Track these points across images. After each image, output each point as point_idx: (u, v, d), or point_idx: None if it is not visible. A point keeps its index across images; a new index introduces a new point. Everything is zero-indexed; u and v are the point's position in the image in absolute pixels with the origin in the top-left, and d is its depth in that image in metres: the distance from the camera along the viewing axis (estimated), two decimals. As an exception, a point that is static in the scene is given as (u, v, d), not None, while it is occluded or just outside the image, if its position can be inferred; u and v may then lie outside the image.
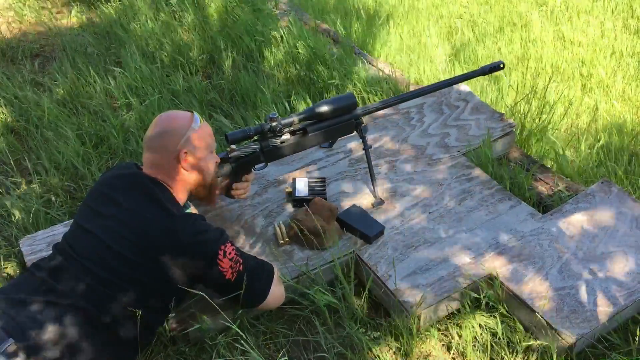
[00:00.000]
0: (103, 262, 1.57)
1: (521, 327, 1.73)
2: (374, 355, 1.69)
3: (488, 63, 2.25)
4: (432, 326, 1.76)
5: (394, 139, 2.42)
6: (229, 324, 1.64)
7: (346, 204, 2.11)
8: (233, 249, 1.64)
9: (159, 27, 3.65)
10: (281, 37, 3.36)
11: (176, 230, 1.57)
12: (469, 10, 4.21)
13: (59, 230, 2.08)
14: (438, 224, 2.02)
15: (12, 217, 2.30)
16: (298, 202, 2.10)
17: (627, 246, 1.89)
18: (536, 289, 1.76)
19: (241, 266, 1.65)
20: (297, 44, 3.25)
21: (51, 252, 1.70)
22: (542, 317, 1.67)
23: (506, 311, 1.79)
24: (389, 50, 3.57)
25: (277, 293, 1.74)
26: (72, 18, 4.07)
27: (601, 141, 2.60)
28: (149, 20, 3.71)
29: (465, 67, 3.40)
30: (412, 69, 3.32)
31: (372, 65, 3.18)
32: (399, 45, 3.66)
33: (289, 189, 2.15)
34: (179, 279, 1.63)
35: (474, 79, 2.84)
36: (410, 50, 3.59)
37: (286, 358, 1.66)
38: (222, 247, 1.62)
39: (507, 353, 1.67)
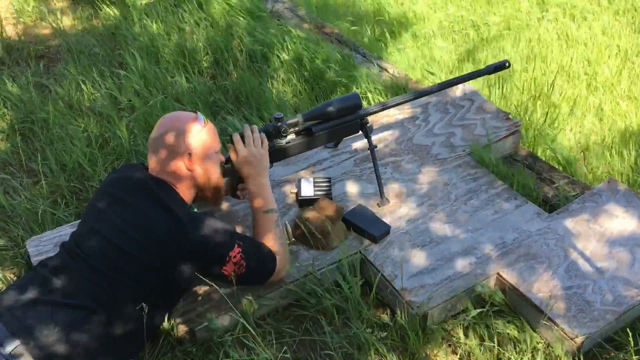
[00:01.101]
0: (110, 261, 1.57)
1: (528, 327, 1.73)
2: (381, 355, 1.68)
3: (493, 62, 2.24)
4: (438, 326, 1.75)
5: (399, 139, 2.42)
6: (235, 323, 1.65)
7: (352, 203, 2.10)
8: (239, 252, 1.65)
9: (163, 28, 3.66)
10: (283, 39, 3.36)
11: (184, 233, 1.58)
12: (472, 11, 4.20)
13: (66, 231, 2.08)
14: (444, 224, 2.02)
15: (19, 217, 2.31)
16: (304, 202, 2.10)
17: (635, 245, 1.88)
18: (543, 288, 1.76)
19: (244, 269, 1.67)
20: (300, 45, 3.25)
21: (58, 251, 1.71)
22: (549, 317, 1.67)
23: (513, 311, 1.79)
24: (393, 51, 3.57)
25: (274, 279, 1.77)
26: (76, 19, 4.08)
27: (606, 140, 2.60)
28: (152, 22, 3.72)
29: (470, 67, 3.40)
30: (416, 69, 3.32)
31: (377, 65, 3.17)
32: (403, 45, 3.66)
33: (295, 189, 2.15)
34: (184, 278, 1.64)
35: (479, 79, 2.84)
36: (414, 50, 3.59)
37: (289, 357, 1.66)
38: (230, 252, 1.63)
39: (514, 353, 1.67)
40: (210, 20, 3.73)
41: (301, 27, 3.47)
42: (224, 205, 2.11)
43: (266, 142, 1.87)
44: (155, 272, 1.60)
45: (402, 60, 3.45)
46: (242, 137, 1.85)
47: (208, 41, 3.50)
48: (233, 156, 1.84)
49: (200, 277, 1.69)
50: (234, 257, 1.64)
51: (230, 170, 1.91)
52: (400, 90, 2.88)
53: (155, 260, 1.59)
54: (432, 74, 3.21)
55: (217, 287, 1.68)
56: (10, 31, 3.96)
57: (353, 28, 3.84)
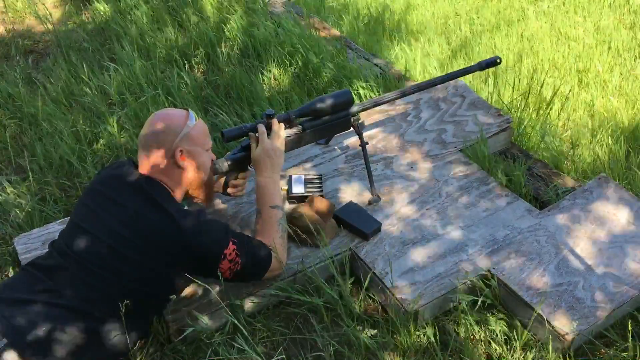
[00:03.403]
0: (101, 261, 1.56)
1: (519, 324, 1.73)
2: (371, 352, 1.68)
3: (484, 58, 2.24)
4: (429, 323, 1.75)
5: (390, 136, 2.42)
6: (226, 321, 1.64)
7: (343, 200, 2.10)
8: (234, 249, 1.64)
9: (154, 23, 3.63)
10: (276, 33, 3.34)
11: (178, 232, 1.56)
12: (465, 7, 4.19)
13: (54, 228, 2.07)
14: (435, 221, 2.02)
15: (7, 214, 2.29)
16: (294, 199, 2.09)
17: (625, 242, 1.89)
18: (533, 285, 1.76)
19: (239, 266, 1.66)
20: (293, 41, 3.23)
21: (47, 250, 1.69)
22: (539, 314, 1.67)
23: (504, 308, 1.79)
24: (386, 46, 3.56)
25: (269, 276, 1.76)
26: (66, 14, 4.04)
27: (598, 136, 2.60)
28: (144, 16, 3.69)
29: (462, 63, 3.39)
30: (409, 65, 3.31)
31: (369, 61, 3.17)
32: (396, 41, 3.65)
33: (285, 186, 2.14)
34: (178, 277, 1.63)
35: (471, 75, 2.84)
36: (407, 46, 3.58)
37: (283, 356, 1.65)
38: (225, 250, 1.62)
39: (505, 350, 1.67)
40: (202, 14, 3.70)
41: (295, 22, 3.45)
42: (214, 202, 2.10)
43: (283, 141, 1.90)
44: (149, 272, 1.58)
45: (396, 57, 3.44)
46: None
47: (199, 36, 3.48)
48: (254, 146, 1.85)
49: (195, 275, 1.69)
50: (229, 254, 1.63)
51: (235, 164, 1.90)
52: (392, 87, 2.87)
53: (149, 259, 1.57)
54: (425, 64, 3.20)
55: (208, 286, 1.67)
56: (-2, 26, 3.92)
57: (347, 24, 3.83)
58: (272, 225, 1.78)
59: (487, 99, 2.78)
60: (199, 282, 1.71)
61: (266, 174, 1.83)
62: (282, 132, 1.89)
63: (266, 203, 1.80)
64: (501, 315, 1.76)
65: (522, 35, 3.71)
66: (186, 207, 1.76)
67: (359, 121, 2.09)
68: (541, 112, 2.61)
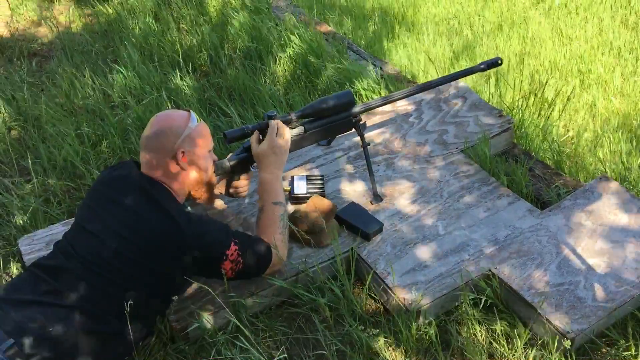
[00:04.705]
0: (105, 262, 1.57)
1: (520, 323, 1.73)
2: (373, 352, 1.69)
3: (486, 59, 2.25)
4: (430, 323, 1.76)
5: (392, 136, 2.42)
6: (229, 320, 1.65)
7: (345, 201, 2.11)
8: (235, 249, 1.65)
9: (158, 26, 3.65)
10: (279, 35, 3.36)
11: (180, 234, 1.57)
12: (466, 8, 4.20)
13: (58, 230, 2.08)
14: (437, 221, 2.02)
15: (11, 216, 2.30)
16: (297, 199, 2.10)
17: (626, 241, 1.89)
18: (535, 285, 1.76)
19: (241, 265, 1.67)
20: (295, 42, 3.25)
21: (51, 251, 1.70)
22: (540, 313, 1.67)
23: (505, 307, 1.79)
24: (388, 48, 3.57)
25: (269, 272, 1.78)
26: (70, 17, 4.07)
27: (599, 136, 2.61)
28: (147, 18, 3.70)
29: (464, 65, 3.40)
30: (410, 66, 3.32)
31: (370, 62, 3.18)
32: (398, 42, 3.66)
33: (288, 187, 2.15)
34: (180, 278, 1.64)
35: (472, 76, 2.84)
36: (408, 47, 3.59)
37: (285, 355, 1.66)
38: (227, 251, 1.64)
39: (506, 349, 1.68)
40: (206, 16, 3.72)
41: (297, 24, 3.46)
42: (217, 203, 2.11)
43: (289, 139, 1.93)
44: (151, 273, 1.59)
45: (397, 58, 3.45)
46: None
47: (203, 38, 3.49)
48: (255, 145, 1.87)
49: (196, 276, 1.70)
50: (231, 254, 1.65)
51: (237, 165, 1.91)
52: (394, 88, 2.88)
53: (151, 261, 1.58)
54: (428, 63, 3.21)
55: (210, 286, 1.68)
56: (2, 29, 3.94)
57: (349, 25, 3.84)
58: (274, 221, 1.79)
59: (489, 100, 2.79)
60: (202, 282, 1.73)
61: (269, 170, 1.85)
62: (286, 132, 1.90)
63: (269, 199, 1.82)
64: (502, 315, 1.77)
65: (524, 37, 3.71)
66: (188, 208, 1.77)
67: (361, 122, 2.10)
68: (543, 112, 2.61)
